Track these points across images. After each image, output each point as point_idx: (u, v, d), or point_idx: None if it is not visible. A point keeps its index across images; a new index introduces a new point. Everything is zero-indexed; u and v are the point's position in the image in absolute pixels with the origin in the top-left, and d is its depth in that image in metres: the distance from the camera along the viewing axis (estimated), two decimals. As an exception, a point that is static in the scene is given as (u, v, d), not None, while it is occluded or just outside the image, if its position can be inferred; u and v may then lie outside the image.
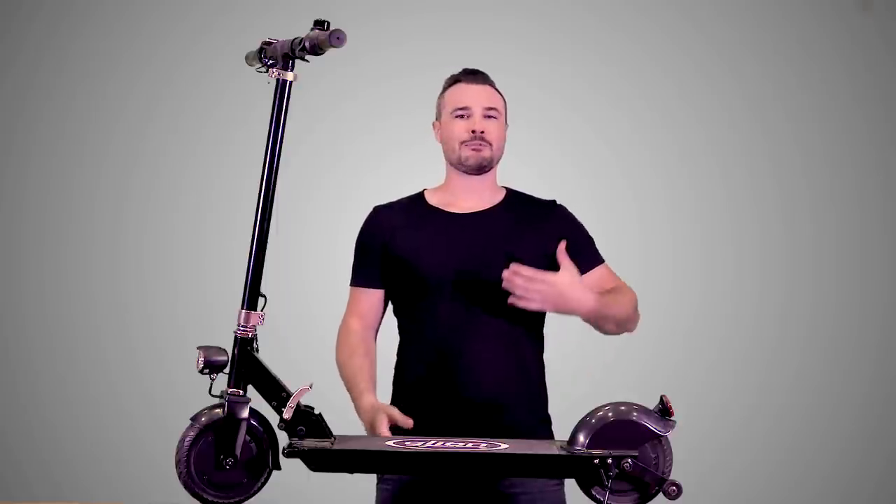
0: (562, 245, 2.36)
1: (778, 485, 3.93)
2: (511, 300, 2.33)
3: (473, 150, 2.52)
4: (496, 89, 2.57)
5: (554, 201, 2.60)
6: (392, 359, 2.58)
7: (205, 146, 4.00)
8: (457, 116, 2.53)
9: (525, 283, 2.32)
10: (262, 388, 2.11)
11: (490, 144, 2.52)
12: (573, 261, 2.40)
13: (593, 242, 2.58)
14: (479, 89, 2.54)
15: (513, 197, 2.59)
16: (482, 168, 2.53)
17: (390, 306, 2.59)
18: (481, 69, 2.58)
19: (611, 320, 2.46)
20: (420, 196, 2.61)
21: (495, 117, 2.53)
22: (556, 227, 2.54)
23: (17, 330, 4.00)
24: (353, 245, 2.61)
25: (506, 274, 2.32)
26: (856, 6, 4.01)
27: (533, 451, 2.15)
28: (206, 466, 2.07)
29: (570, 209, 2.60)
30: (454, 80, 2.57)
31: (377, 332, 2.58)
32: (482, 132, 2.51)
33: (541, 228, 2.53)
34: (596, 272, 2.53)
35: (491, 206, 2.56)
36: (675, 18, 4.02)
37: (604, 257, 2.58)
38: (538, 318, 2.53)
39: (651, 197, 4.02)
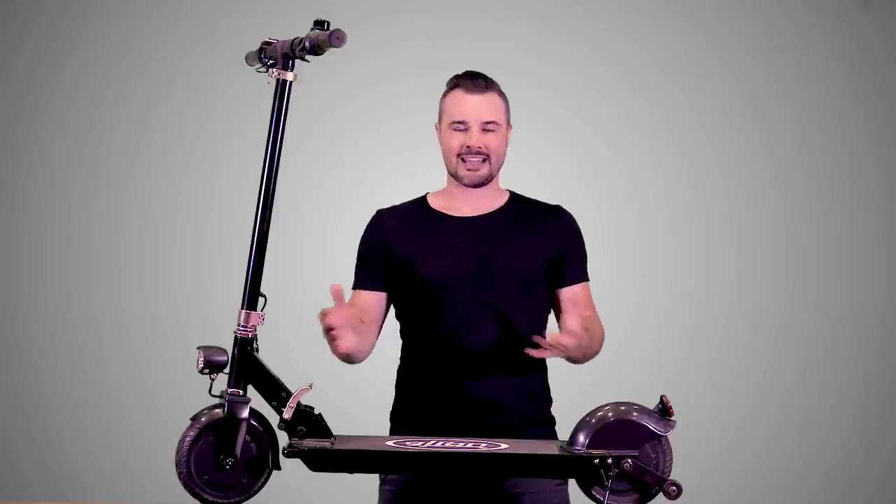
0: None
1: (778, 485, 3.93)
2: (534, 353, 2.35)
3: (469, 169, 2.49)
4: (499, 92, 2.52)
5: (558, 207, 2.59)
6: (394, 361, 2.58)
7: (205, 146, 4.00)
8: (454, 129, 2.50)
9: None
10: (262, 388, 2.11)
11: (488, 158, 2.49)
12: (567, 269, 2.51)
13: (586, 258, 2.57)
14: (478, 100, 2.49)
15: (516, 201, 2.58)
16: (479, 185, 2.52)
17: (392, 311, 2.59)
18: (483, 72, 2.54)
19: (584, 358, 2.47)
20: (423, 200, 2.60)
21: (494, 130, 2.49)
22: (558, 234, 2.54)
23: (17, 330, 4.00)
24: (355, 246, 2.61)
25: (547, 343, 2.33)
26: (856, 5, 4.01)
27: (533, 451, 2.15)
28: (206, 466, 2.07)
29: (573, 212, 2.59)
30: (454, 85, 2.52)
31: (378, 332, 2.57)
32: (479, 147, 2.49)
33: (542, 234, 2.53)
34: (575, 288, 2.54)
35: (493, 210, 2.55)
36: (675, 18, 4.02)
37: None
38: (540, 320, 2.53)
39: (651, 197, 4.01)
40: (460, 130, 2.49)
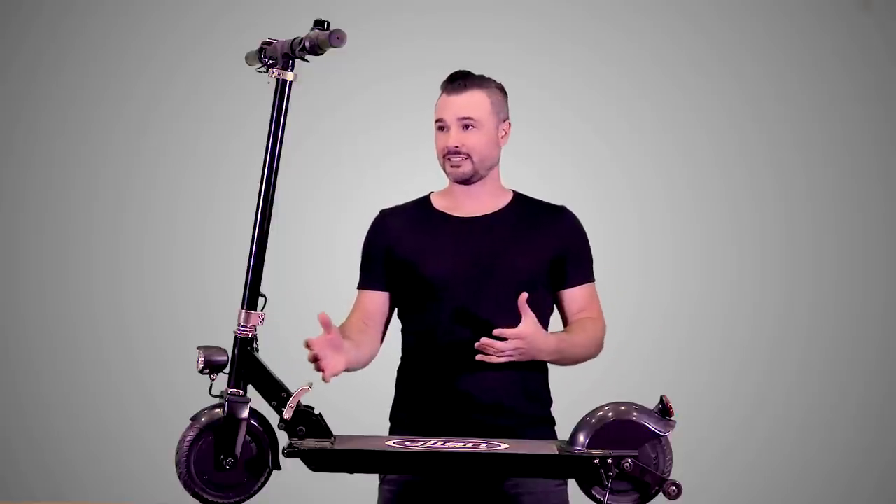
0: (522, 297, 2.34)
1: (778, 485, 3.93)
2: (483, 359, 2.34)
3: (453, 166, 2.50)
4: (484, 89, 2.51)
5: (562, 207, 2.59)
6: (395, 361, 2.58)
7: (205, 146, 4.00)
8: (438, 129, 2.52)
9: (501, 348, 2.33)
10: (262, 388, 2.11)
11: (469, 156, 2.49)
12: (568, 270, 2.49)
13: (591, 259, 2.57)
14: (456, 99, 2.49)
15: (519, 201, 2.58)
16: (466, 181, 2.53)
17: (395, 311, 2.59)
18: (483, 71, 2.55)
19: (569, 360, 2.49)
20: (426, 200, 2.60)
21: (473, 126, 2.48)
22: (560, 234, 2.54)
23: (17, 330, 4.00)
24: (355, 246, 2.61)
25: (479, 345, 2.33)
26: (856, 5, 4.01)
27: (533, 451, 2.15)
28: (206, 466, 2.07)
29: (574, 212, 2.59)
30: (441, 88, 2.54)
31: (383, 333, 2.57)
32: (457, 147, 2.49)
33: (545, 234, 2.53)
34: (580, 290, 2.54)
35: (496, 209, 2.55)
36: (675, 18, 4.02)
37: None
38: (541, 320, 2.52)
39: (651, 197, 4.01)
40: (442, 130, 2.51)
